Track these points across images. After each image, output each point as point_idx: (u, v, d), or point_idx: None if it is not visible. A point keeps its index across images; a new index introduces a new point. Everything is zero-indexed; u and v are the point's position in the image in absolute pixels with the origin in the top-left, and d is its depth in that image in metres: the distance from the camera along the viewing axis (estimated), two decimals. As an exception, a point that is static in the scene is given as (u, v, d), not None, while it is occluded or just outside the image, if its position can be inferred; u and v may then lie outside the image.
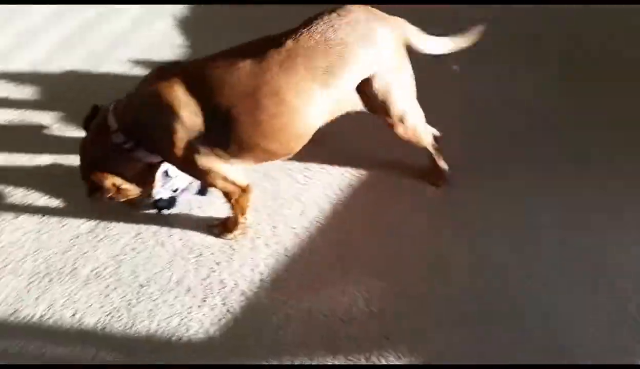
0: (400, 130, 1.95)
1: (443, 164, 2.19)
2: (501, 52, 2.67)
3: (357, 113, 1.89)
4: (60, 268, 2.03)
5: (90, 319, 1.93)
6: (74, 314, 1.94)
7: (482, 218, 2.14)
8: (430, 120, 2.09)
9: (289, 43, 1.67)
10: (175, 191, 2.13)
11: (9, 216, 2.14)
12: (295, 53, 1.66)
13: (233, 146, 1.76)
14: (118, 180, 1.88)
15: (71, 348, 1.85)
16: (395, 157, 2.31)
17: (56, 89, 2.62)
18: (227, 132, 1.72)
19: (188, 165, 1.81)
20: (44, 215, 2.14)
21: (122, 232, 2.10)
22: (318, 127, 1.84)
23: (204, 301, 1.98)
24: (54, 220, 2.13)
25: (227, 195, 1.95)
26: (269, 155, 1.84)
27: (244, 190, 1.95)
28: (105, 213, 2.15)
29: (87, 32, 2.68)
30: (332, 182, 2.25)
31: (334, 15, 1.73)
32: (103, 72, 2.76)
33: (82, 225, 2.12)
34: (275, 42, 1.69)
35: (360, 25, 1.72)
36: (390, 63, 1.79)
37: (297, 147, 1.86)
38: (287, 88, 1.67)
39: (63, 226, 2.11)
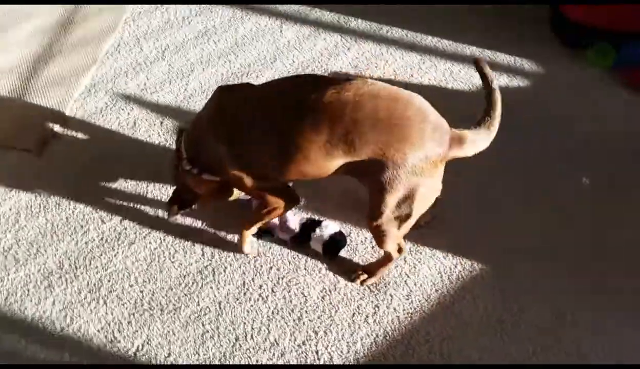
0: (369, 222, 1.71)
1: (380, 273, 1.96)
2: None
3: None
4: (163, 305, 1.90)
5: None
6: (168, 356, 1.80)
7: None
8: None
9: (329, 97, 1.51)
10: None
11: (124, 242, 2.04)
12: (326, 109, 1.51)
13: (261, 171, 1.69)
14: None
15: (160, 390, 1.70)
16: (515, 256, 2.07)
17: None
18: (257, 160, 1.66)
19: (240, 186, 1.78)
20: (157, 248, 2.02)
21: (229, 279, 1.96)
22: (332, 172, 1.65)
23: (297, 369, 1.79)
24: (166, 254, 2.01)
25: (266, 205, 1.83)
26: (292, 180, 1.77)
27: (290, 202, 1.83)
28: (217, 256, 2.01)
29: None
30: (442, 271, 2.03)
31: (384, 91, 1.53)
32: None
33: (192, 264, 1.99)
34: (317, 90, 1.54)
35: (400, 119, 1.51)
36: (404, 170, 1.54)
37: (314, 178, 1.69)
38: (306, 140, 1.54)
39: (174, 262, 1.99)
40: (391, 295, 1.96)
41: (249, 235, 1.95)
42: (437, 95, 2.55)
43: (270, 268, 1.99)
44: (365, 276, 1.98)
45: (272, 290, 1.95)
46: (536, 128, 2.48)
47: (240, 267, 1.99)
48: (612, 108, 2.57)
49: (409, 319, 1.92)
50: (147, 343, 1.82)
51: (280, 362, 1.80)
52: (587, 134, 2.45)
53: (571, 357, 1.83)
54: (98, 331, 1.84)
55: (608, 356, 1.84)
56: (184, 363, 1.78)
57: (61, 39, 2.68)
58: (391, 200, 1.60)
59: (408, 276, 2.01)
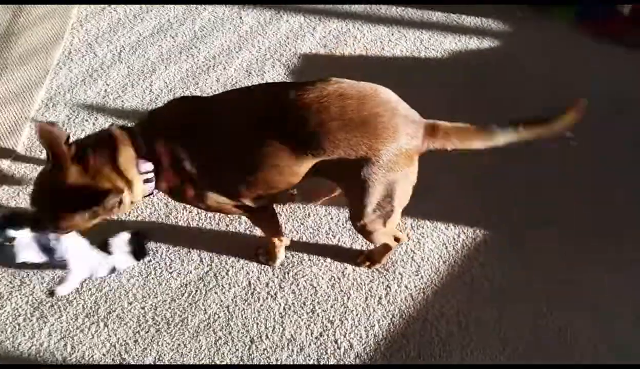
0: (354, 223, 1.73)
1: (383, 259, 2.02)
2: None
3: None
4: (169, 318, 1.88)
5: (200, 376, 1.77)
6: (183, 369, 1.79)
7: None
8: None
9: (289, 100, 1.50)
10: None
11: (115, 258, 2.00)
12: (290, 114, 1.49)
13: (224, 189, 1.64)
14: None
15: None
16: (512, 218, 2.15)
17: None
18: (220, 176, 1.61)
19: (202, 206, 1.69)
20: (151, 260, 2.00)
21: (233, 282, 1.96)
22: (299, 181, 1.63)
23: (318, 362, 1.83)
24: (162, 265, 1.99)
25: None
26: (255, 195, 1.67)
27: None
28: (217, 260, 2.00)
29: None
30: (447, 242, 2.09)
31: (350, 89, 1.50)
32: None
33: (192, 272, 1.98)
34: (279, 97, 1.52)
35: (370, 116, 1.48)
36: (381, 165, 1.51)
37: (280, 189, 1.66)
38: (274, 148, 1.51)
39: (172, 272, 1.97)
40: (400, 274, 2.01)
41: (281, 247, 1.97)
42: (411, 66, 2.64)
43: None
44: (369, 263, 2.02)
45: (280, 286, 1.96)
46: (512, 87, 2.57)
47: (242, 268, 1.99)
48: (581, 60, 2.70)
49: (422, 294, 1.98)
50: (159, 359, 1.80)
51: (300, 357, 1.83)
52: (560, 87, 2.56)
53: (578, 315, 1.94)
54: (104, 355, 1.81)
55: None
56: (202, 374, 1.78)
57: (4, 53, 2.58)
58: (371, 199, 1.59)
59: (414, 252, 2.06)
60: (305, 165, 1.54)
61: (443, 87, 2.52)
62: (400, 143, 1.50)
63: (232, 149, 1.55)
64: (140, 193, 1.63)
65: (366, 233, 1.74)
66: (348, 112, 1.47)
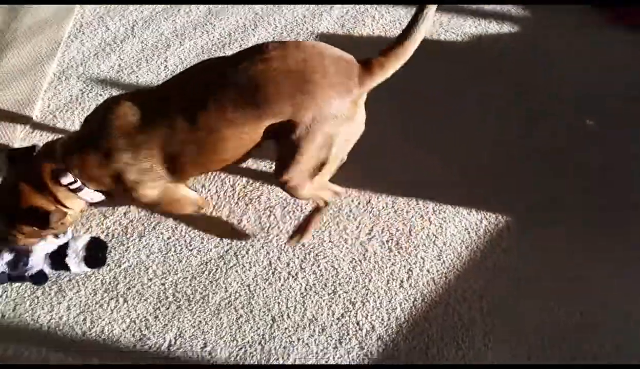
0: (279, 176, 1.73)
1: (315, 223, 2.07)
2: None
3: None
4: (189, 295, 1.95)
5: (222, 353, 1.85)
6: (204, 346, 1.86)
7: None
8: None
9: (226, 70, 1.59)
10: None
11: (133, 235, 2.07)
12: (230, 82, 1.57)
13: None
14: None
15: (204, 383, 1.77)
16: (534, 205, 2.24)
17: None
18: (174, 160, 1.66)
19: (149, 205, 1.76)
20: (170, 237, 2.07)
21: (253, 261, 2.03)
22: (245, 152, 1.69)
23: (340, 343, 1.90)
24: (182, 242, 2.06)
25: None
26: (200, 172, 1.77)
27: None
28: (235, 239, 2.07)
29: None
30: (469, 227, 2.17)
31: (282, 48, 1.59)
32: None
33: (212, 250, 2.04)
34: (213, 68, 1.62)
35: (310, 69, 1.56)
36: (323, 118, 1.59)
37: (240, 154, 1.72)
38: (216, 116, 1.58)
39: (192, 250, 2.04)
40: (422, 258, 2.09)
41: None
42: (431, 49, 2.71)
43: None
44: (298, 236, 2.08)
45: (301, 267, 2.03)
46: (531, 73, 2.65)
47: (263, 247, 2.06)
48: (601, 46, 2.78)
49: (444, 279, 2.05)
50: (180, 335, 1.87)
51: (322, 337, 1.90)
52: (582, 74, 2.64)
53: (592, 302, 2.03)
54: (124, 330, 1.88)
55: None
56: (222, 351, 1.84)
57: (12, 25, 2.63)
58: (306, 151, 1.63)
59: (436, 237, 2.14)
60: (258, 125, 1.60)
61: (462, 70, 2.60)
62: (340, 91, 1.58)
63: (188, 126, 1.59)
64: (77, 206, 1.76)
65: (292, 188, 1.74)
66: (288, 65, 1.55)
